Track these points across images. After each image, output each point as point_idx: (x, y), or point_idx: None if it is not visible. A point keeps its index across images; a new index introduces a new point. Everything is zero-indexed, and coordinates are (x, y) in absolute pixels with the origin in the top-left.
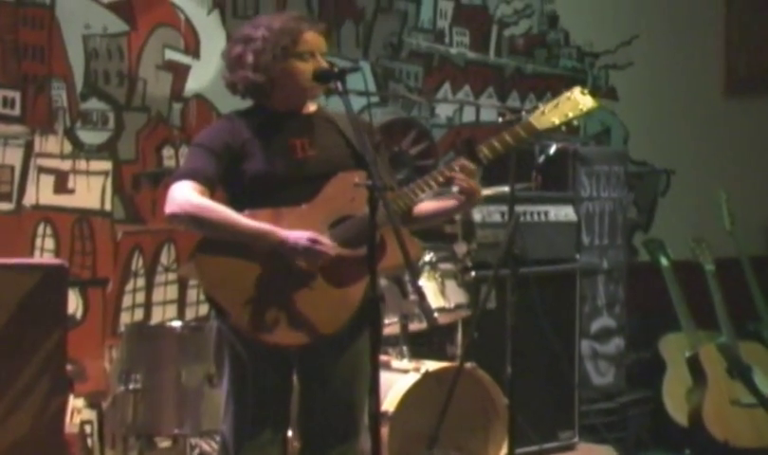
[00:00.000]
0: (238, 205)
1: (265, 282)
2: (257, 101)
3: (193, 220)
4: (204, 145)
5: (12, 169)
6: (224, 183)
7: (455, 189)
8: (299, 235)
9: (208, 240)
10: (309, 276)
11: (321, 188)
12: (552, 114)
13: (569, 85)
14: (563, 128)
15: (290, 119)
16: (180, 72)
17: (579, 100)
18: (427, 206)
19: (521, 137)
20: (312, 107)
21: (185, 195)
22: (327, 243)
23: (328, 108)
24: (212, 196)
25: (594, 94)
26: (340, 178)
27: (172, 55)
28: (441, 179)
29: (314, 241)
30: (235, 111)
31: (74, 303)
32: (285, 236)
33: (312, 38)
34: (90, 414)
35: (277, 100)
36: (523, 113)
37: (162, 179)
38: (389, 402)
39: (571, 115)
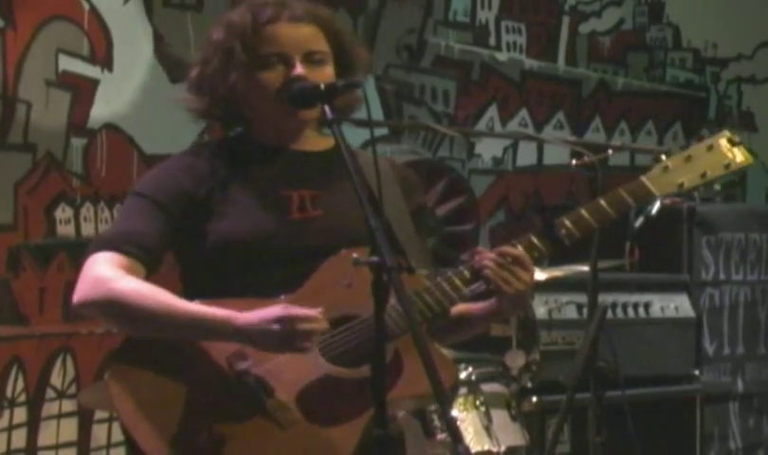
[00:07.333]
0: (191, 287)
1: (210, 411)
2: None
3: (115, 311)
4: (146, 195)
5: None
6: (176, 252)
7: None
8: (264, 314)
9: (131, 344)
10: (280, 407)
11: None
12: (680, 171)
13: (691, 115)
14: (696, 193)
15: (289, 159)
16: (83, 91)
17: (726, 154)
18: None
19: (627, 206)
20: (325, 142)
21: (102, 275)
22: (307, 311)
23: (361, 149)
24: (151, 275)
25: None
26: (341, 258)
27: (70, 64)
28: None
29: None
30: (205, 142)
31: None
32: (244, 321)
33: (283, 32)
34: None
35: (258, 129)
36: (609, 152)
37: (55, 255)
38: None
39: (710, 175)
